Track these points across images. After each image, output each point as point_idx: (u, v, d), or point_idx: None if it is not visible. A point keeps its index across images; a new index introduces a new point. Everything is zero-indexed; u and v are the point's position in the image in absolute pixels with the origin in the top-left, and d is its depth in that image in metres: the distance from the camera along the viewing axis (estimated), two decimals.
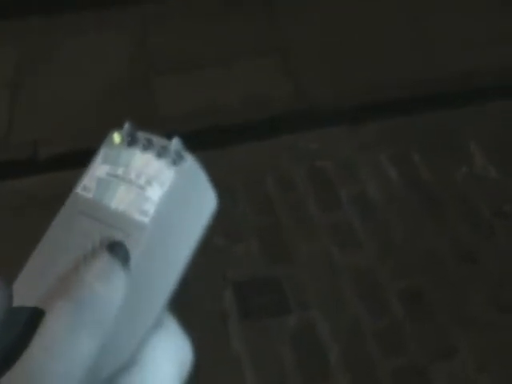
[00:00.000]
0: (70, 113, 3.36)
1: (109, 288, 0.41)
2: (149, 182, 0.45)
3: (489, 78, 3.45)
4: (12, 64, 3.69)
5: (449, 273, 2.70)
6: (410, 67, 3.49)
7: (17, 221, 2.93)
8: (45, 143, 3.27)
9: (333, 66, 3.54)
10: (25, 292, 0.42)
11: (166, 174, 0.45)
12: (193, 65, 3.63)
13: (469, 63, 3.47)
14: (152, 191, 0.44)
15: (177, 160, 0.45)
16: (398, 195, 3.01)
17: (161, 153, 0.45)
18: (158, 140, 0.46)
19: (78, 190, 0.46)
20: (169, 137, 0.46)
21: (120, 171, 0.46)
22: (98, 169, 0.46)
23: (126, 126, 0.47)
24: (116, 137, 0.47)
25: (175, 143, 0.45)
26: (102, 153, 0.47)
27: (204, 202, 0.47)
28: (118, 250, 0.42)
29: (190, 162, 0.45)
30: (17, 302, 0.41)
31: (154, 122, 3.18)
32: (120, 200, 0.45)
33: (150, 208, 0.44)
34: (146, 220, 0.44)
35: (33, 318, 0.40)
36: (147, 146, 0.46)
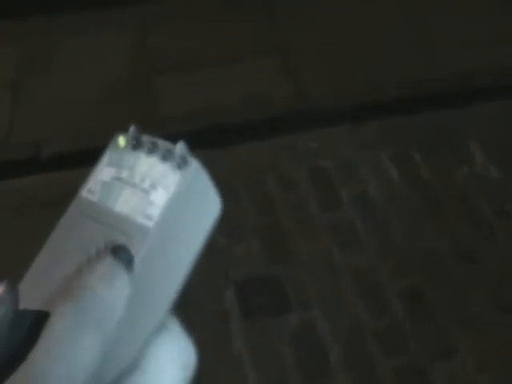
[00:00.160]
0: (70, 113, 3.36)
1: (112, 291, 0.41)
2: (153, 186, 0.45)
3: (489, 78, 3.45)
4: (12, 64, 3.69)
5: (449, 273, 2.70)
6: (409, 67, 3.49)
7: (17, 221, 2.93)
8: (45, 143, 3.27)
9: (333, 66, 3.54)
10: (30, 294, 0.42)
11: (170, 178, 0.45)
12: (193, 65, 3.63)
13: (469, 63, 3.47)
14: (156, 195, 0.44)
15: (181, 164, 0.45)
16: (399, 195, 3.01)
17: (165, 157, 0.45)
18: (162, 144, 0.46)
19: (83, 192, 0.46)
20: (169, 138, 0.46)
21: (125, 174, 0.46)
22: (103, 172, 0.46)
23: (131, 129, 0.46)
24: (121, 140, 0.47)
25: (180, 147, 0.45)
26: (107, 156, 0.47)
27: (208, 206, 0.47)
28: (121, 254, 0.42)
29: (195, 166, 0.45)
30: (22, 304, 0.41)
31: (154, 122, 3.18)
32: (124, 203, 0.45)
33: (154, 212, 0.44)
34: (150, 224, 0.44)
35: (37, 321, 0.40)
36: (152, 150, 0.46)
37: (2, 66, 3.67)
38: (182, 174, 0.45)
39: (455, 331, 2.52)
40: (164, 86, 3.52)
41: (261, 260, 2.79)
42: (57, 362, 0.38)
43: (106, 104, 3.42)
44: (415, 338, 2.51)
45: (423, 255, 2.75)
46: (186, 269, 0.45)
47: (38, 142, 3.27)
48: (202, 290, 2.54)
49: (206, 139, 3.04)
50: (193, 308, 2.40)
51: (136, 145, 0.46)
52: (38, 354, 0.38)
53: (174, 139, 0.46)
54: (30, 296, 0.42)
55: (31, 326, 0.40)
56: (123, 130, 0.47)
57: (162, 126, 3.02)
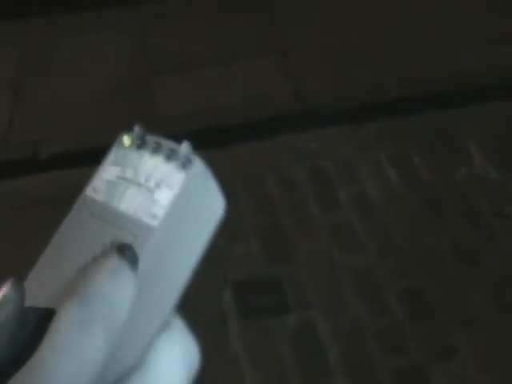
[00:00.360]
0: (70, 113, 3.37)
1: (118, 289, 0.41)
2: (158, 185, 0.45)
3: (489, 78, 3.45)
4: (12, 64, 3.69)
5: (449, 273, 2.70)
6: (409, 67, 3.50)
7: (17, 221, 2.93)
8: (45, 143, 3.27)
9: (333, 66, 3.54)
10: (35, 292, 0.42)
11: (175, 178, 0.45)
12: (193, 65, 3.63)
13: (469, 63, 3.48)
14: (161, 194, 0.45)
15: (186, 164, 0.45)
16: (399, 195, 3.01)
17: (170, 156, 0.46)
18: (167, 143, 0.46)
19: (88, 191, 0.46)
20: (170, 138, 0.47)
21: (129, 174, 0.46)
22: (108, 171, 0.46)
23: (136, 129, 0.47)
24: (126, 139, 0.47)
25: (184, 147, 0.45)
26: (112, 155, 0.47)
27: (212, 205, 0.47)
28: (126, 253, 0.42)
29: (199, 166, 0.46)
30: (27, 301, 0.41)
31: (154, 122, 3.18)
32: (129, 202, 0.45)
33: (159, 211, 0.44)
34: (155, 223, 0.44)
35: (44, 318, 0.40)
36: (156, 149, 0.46)
37: (2, 66, 3.67)
38: (186, 174, 0.45)
39: (455, 331, 2.52)
40: (164, 86, 3.53)
41: (261, 260, 2.79)
42: (64, 358, 0.38)
43: (106, 104, 3.42)
44: (415, 338, 2.51)
45: (423, 255, 2.75)
46: (190, 268, 0.46)
47: (38, 142, 3.27)
48: (201, 290, 2.54)
49: (206, 139, 3.04)
50: (191, 308, 2.40)
51: (141, 144, 0.46)
52: (44, 351, 0.38)
53: (174, 139, 0.47)
54: (36, 294, 0.42)
55: (37, 324, 0.40)
56: (123, 129, 0.48)
57: (162, 126, 3.01)
